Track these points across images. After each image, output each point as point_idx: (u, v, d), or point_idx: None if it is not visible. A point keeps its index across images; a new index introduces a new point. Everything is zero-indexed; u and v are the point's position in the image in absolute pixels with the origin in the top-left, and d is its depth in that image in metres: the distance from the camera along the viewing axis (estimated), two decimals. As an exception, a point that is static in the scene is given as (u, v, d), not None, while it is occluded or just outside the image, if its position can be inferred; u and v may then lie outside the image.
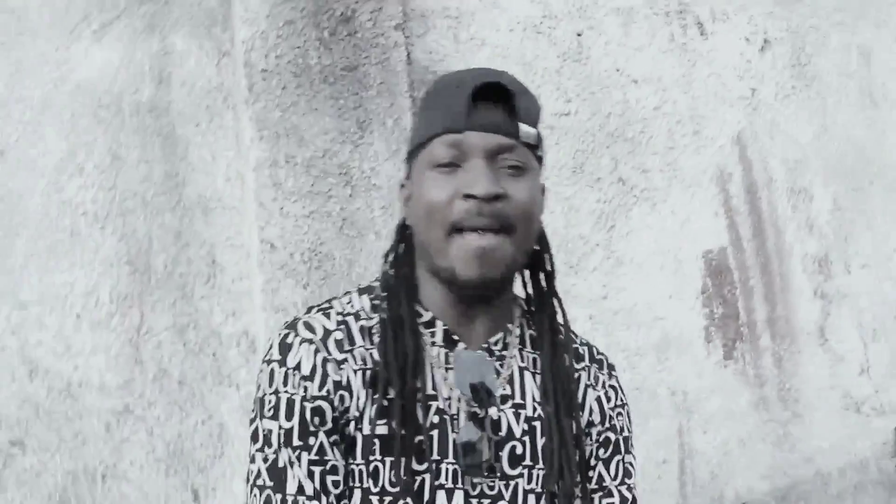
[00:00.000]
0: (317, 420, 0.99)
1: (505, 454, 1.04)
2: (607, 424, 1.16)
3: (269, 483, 0.98)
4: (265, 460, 0.99)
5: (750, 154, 2.81)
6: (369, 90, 2.20)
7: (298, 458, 0.98)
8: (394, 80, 2.25)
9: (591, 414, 1.15)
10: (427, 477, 0.99)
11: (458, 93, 1.01)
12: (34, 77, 2.06)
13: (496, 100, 1.01)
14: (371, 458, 0.99)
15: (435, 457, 1.01)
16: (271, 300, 2.05)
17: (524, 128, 1.02)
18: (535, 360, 1.12)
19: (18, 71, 2.05)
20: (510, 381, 1.08)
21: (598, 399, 1.15)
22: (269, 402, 1.00)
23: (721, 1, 2.84)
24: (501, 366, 1.08)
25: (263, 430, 1.00)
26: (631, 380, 2.42)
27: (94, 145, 2.08)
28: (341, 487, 0.99)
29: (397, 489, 0.98)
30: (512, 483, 1.04)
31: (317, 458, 0.99)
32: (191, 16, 2.18)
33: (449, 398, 1.03)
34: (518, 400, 1.07)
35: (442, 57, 2.42)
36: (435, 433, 1.01)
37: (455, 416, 1.03)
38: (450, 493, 1.00)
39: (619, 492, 1.14)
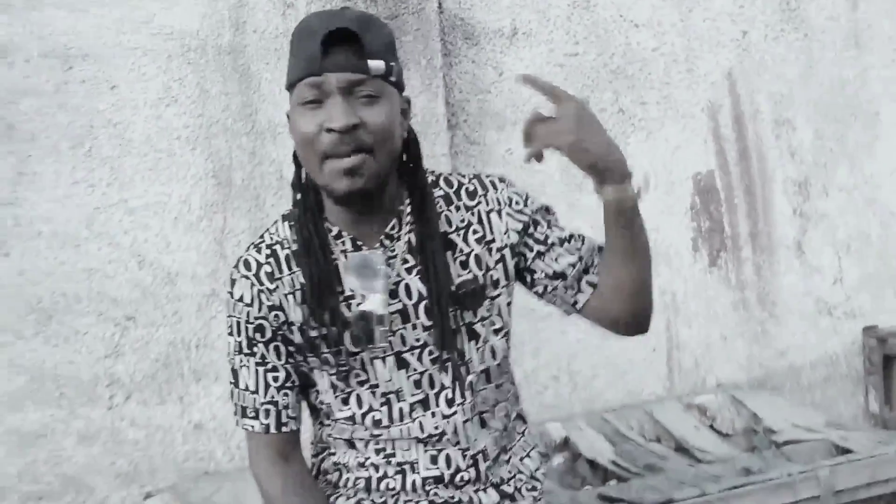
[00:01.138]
0: (258, 335, 1.25)
1: (421, 311, 1.24)
2: (522, 219, 1.28)
3: (231, 379, 1.29)
4: (230, 363, 1.29)
5: (739, 89, 3.02)
6: (407, 35, 2.48)
7: (248, 363, 1.26)
8: (427, 27, 2.54)
9: (502, 231, 1.27)
10: (365, 354, 1.24)
11: (312, 40, 1.12)
12: (136, 28, 2.34)
13: (346, 41, 1.12)
14: (321, 353, 1.24)
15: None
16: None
17: (372, 63, 1.14)
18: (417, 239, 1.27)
19: (123, 24, 2.33)
20: (404, 261, 1.25)
21: (500, 213, 1.28)
22: (228, 322, 1.27)
23: (718, -47, 3.00)
24: (393, 253, 1.24)
25: (228, 342, 1.29)
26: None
27: (185, 81, 2.38)
28: (281, 381, 1.26)
29: (346, 367, 1.26)
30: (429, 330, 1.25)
31: (260, 361, 1.26)
32: (260, -26, 2.45)
33: (364, 295, 1.23)
34: (403, 276, 1.25)
35: (469, 6, 2.69)
36: (361, 323, 1.22)
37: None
38: (384, 360, 1.25)
39: (569, 251, 1.27)
